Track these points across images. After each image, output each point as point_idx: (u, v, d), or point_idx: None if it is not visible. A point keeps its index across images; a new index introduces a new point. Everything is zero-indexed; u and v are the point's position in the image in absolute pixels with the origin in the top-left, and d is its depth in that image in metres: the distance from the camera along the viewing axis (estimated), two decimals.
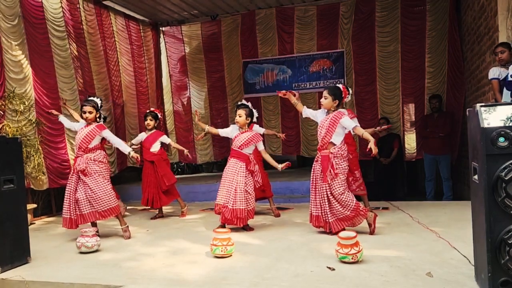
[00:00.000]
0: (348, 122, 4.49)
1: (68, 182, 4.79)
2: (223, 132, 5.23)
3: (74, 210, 4.69)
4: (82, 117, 4.92)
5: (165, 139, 6.25)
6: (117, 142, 5.01)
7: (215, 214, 5.01)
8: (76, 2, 7.18)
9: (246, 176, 4.91)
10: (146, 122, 6.12)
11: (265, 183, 5.81)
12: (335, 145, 4.49)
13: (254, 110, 5.49)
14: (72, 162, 6.72)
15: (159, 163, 6.05)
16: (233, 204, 4.80)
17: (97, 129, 4.82)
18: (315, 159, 4.64)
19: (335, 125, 4.47)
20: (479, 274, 2.80)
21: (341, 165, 4.45)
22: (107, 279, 3.41)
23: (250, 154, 5.07)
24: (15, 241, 3.84)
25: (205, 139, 9.60)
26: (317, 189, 4.55)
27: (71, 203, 4.70)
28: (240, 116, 5.02)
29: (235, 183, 4.86)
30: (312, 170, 4.64)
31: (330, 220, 4.45)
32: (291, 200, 7.15)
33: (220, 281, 3.24)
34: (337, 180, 4.41)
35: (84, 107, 4.85)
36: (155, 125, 6.17)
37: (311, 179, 4.63)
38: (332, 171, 4.39)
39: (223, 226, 4.91)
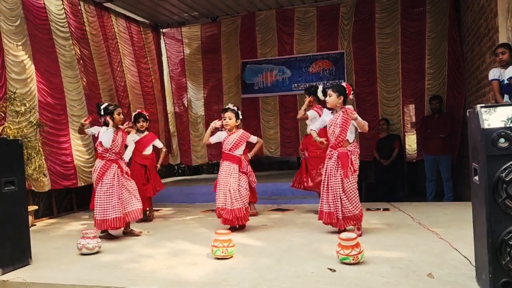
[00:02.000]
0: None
1: (110, 183, 4.74)
2: (213, 139, 5.24)
3: (121, 209, 4.76)
4: (115, 121, 4.91)
5: (158, 143, 6.18)
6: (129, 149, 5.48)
7: (218, 218, 5.10)
8: (77, 4, 7.21)
9: (239, 177, 5.01)
10: (139, 124, 5.99)
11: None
12: (350, 142, 4.56)
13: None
14: (76, 162, 6.75)
15: (152, 168, 6.01)
16: (231, 204, 4.88)
17: (125, 134, 5.09)
18: (328, 157, 4.63)
19: (348, 123, 4.52)
20: (480, 275, 2.80)
21: (356, 161, 4.53)
22: (108, 280, 3.42)
23: (241, 155, 5.13)
24: (16, 243, 3.84)
25: (200, 139, 9.62)
26: (330, 186, 4.57)
27: (116, 202, 4.73)
28: (230, 119, 5.06)
29: (228, 184, 4.95)
30: (325, 168, 4.64)
31: (340, 217, 4.51)
32: (292, 201, 7.15)
33: (220, 282, 3.25)
34: (354, 175, 4.50)
35: (118, 108, 4.96)
36: (147, 126, 6.14)
37: (324, 177, 4.63)
38: (352, 167, 4.46)
39: (233, 228, 4.98)
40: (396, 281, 3.08)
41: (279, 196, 7.34)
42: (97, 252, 4.25)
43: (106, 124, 4.91)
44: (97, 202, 4.75)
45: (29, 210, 4.87)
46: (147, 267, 3.75)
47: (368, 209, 6.13)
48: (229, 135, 5.09)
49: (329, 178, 4.58)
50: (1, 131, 5.55)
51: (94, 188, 4.91)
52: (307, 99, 5.78)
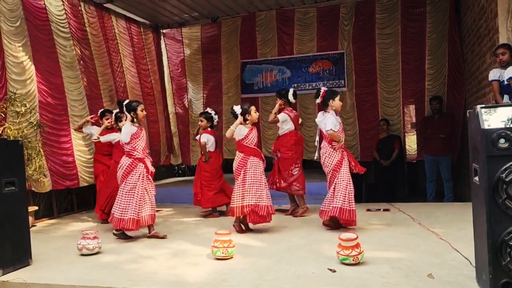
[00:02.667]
0: None
1: (133, 184, 4.70)
2: (236, 134, 5.06)
3: (138, 212, 4.70)
4: (138, 118, 4.85)
5: None
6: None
7: (240, 215, 4.88)
8: (78, 4, 7.21)
9: None
10: (121, 123, 5.53)
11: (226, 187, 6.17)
12: None
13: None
14: (78, 162, 6.76)
15: None
16: (266, 201, 4.88)
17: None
18: (344, 156, 4.86)
19: None
20: (480, 275, 2.80)
21: None
22: (108, 281, 3.42)
23: None
24: (16, 243, 3.85)
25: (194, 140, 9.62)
26: (349, 183, 4.83)
27: (135, 204, 4.67)
28: (255, 112, 5.08)
29: (263, 182, 4.95)
30: (343, 167, 4.81)
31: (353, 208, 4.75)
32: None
33: (221, 283, 3.25)
34: None
35: (140, 105, 4.90)
36: None
37: (345, 175, 4.80)
38: None
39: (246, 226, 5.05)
40: (396, 281, 3.08)
41: (279, 197, 7.32)
42: (97, 253, 4.25)
43: (131, 120, 4.85)
44: (118, 200, 4.73)
45: (29, 210, 4.87)
46: (148, 267, 3.75)
47: (368, 210, 6.14)
48: (251, 130, 5.03)
49: (349, 176, 4.82)
50: (2, 131, 5.56)
51: (118, 185, 4.84)
52: (278, 102, 5.91)
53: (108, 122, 6.02)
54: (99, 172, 6.21)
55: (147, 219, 4.79)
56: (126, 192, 4.72)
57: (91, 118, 6.28)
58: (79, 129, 6.29)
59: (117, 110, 5.69)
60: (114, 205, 4.79)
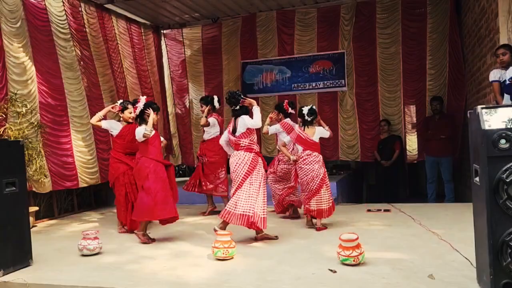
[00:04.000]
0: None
1: (260, 180, 4.48)
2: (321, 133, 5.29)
3: (265, 210, 4.50)
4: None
5: (162, 138, 5.49)
6: None
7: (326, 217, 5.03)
8: (78, 5, 7.22)
9: None
10: (157, 117, 4.95)
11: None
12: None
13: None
14: (78, 163, 6.76)
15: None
16: None
17: None
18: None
19: None
20: (481, 276, 2.80)
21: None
22: (109, 282, 3.42)
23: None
24: (17, 244, 3.85)
25: (196, 141, 9.61)
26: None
27: (265, 202, 4.52)
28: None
29: None
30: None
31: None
32: None
33: (222, 284, 3.25)
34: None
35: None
36: None
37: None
38: None
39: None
40: (397, 282, 3.08)
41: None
42: (98, 253, 4.26)
43: (246, 111, 4.62)
44: (242, 197, 4.38)
45: (30, 211, 4.86)
46: (148, 268, 3.76)
47: (369, 210, 6.14)
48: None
49: None
50: (3, 132, 5.56)
51: (240, 184, 4.41)
52: (205, 108, 6.26)
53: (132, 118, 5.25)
54: (120, 173, 5.36)
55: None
56: (256, 189, 4.41)
57: (112, 107, 5.66)
58: (99, 121, 5.47)
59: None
60: (233, 201, 4.39)
